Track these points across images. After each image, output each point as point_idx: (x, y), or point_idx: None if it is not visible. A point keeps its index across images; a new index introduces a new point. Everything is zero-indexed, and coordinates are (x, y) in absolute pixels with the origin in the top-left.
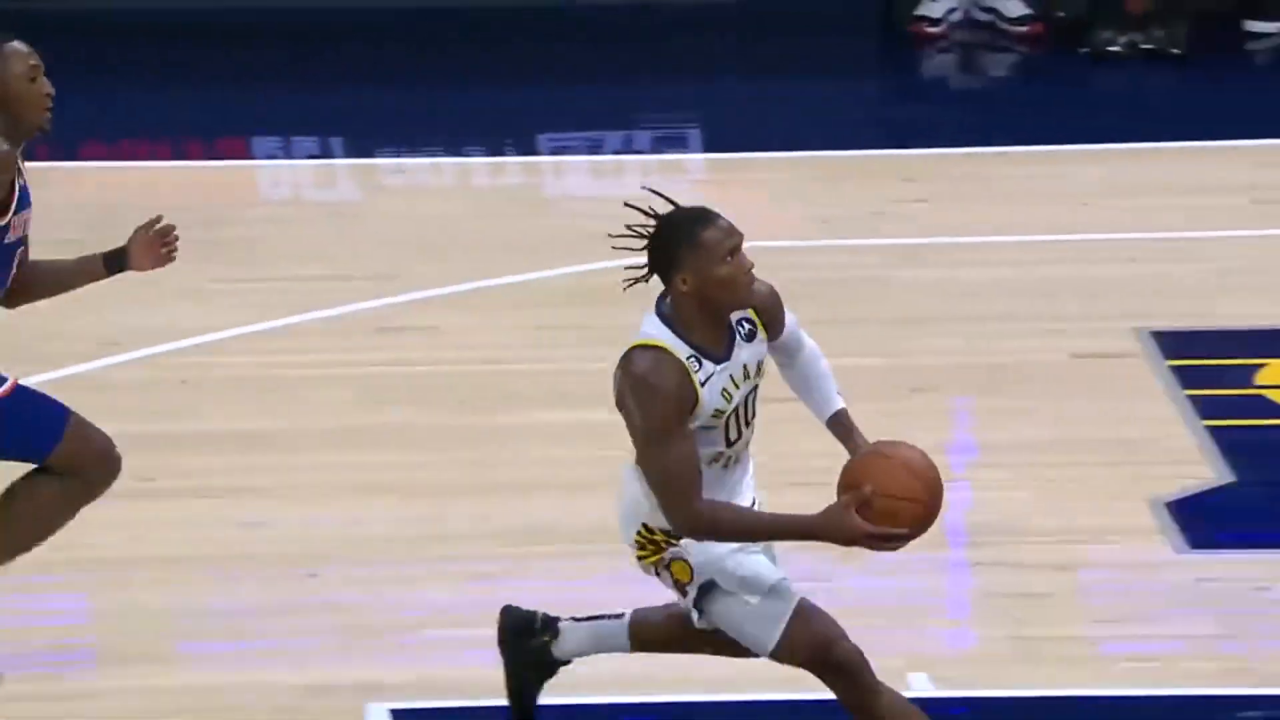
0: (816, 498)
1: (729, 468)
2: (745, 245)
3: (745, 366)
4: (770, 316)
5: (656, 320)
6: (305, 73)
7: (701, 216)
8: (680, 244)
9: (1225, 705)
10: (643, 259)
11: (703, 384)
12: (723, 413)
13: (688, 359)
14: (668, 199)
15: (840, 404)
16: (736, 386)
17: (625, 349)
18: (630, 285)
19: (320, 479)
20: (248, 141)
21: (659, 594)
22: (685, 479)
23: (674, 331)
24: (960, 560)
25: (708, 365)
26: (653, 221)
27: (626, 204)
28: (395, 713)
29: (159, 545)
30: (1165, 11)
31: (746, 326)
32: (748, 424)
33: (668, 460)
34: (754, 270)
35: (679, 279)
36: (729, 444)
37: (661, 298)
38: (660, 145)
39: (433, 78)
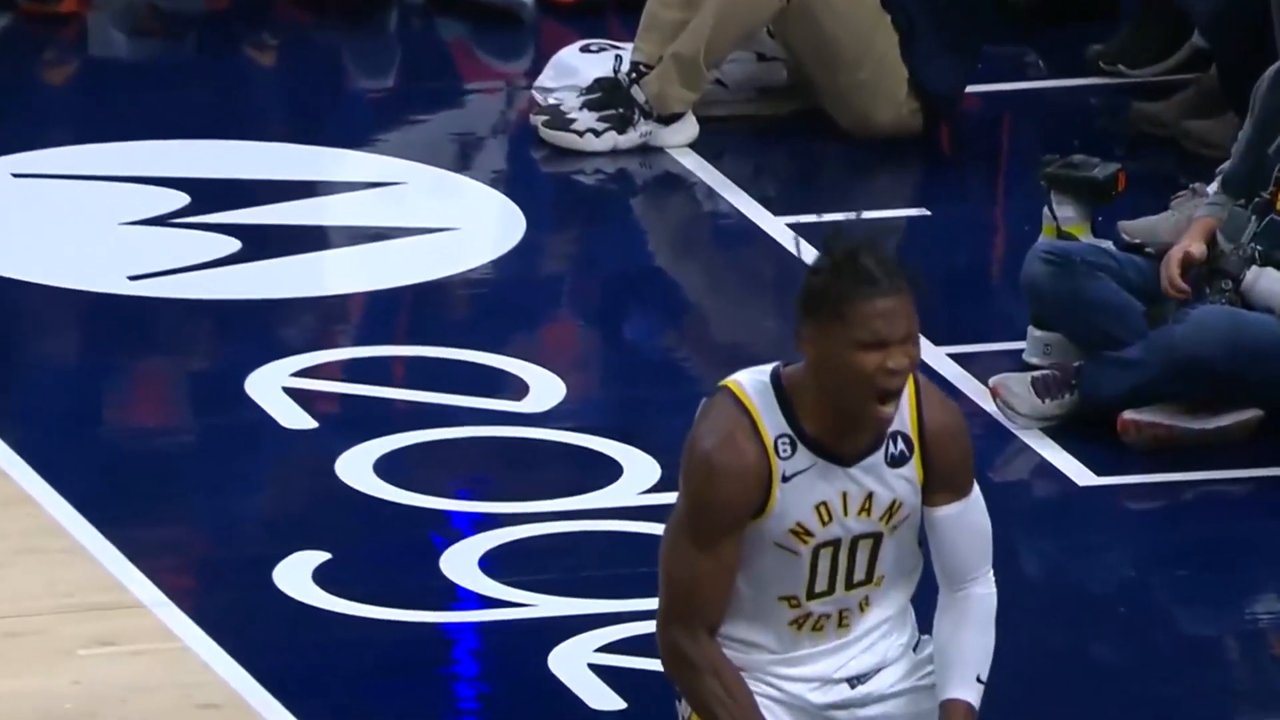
0: None
1: (805, 631)
2: None
3: (871, 495)
4: (940, 456)
5: (766, 374)
6: None
7: (866, 278)
8: (818, 297)
9: None
10: None
11: (786, 478)
12: (810, 535)
13: (777, 438)
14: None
15: (965, 696)
16: (844, 512)
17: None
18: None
19: None
20: None
21: None
22: (687, 593)
23: (780, 398)
24: None
25: (804, 456)
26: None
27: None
28: None
29: None
30: None
31: (899, 446)
32: (852, 585)
33: (679, 560)
34: (905, 379)
35: (802, 337)
36: (810, 593)
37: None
38: None
39: None
